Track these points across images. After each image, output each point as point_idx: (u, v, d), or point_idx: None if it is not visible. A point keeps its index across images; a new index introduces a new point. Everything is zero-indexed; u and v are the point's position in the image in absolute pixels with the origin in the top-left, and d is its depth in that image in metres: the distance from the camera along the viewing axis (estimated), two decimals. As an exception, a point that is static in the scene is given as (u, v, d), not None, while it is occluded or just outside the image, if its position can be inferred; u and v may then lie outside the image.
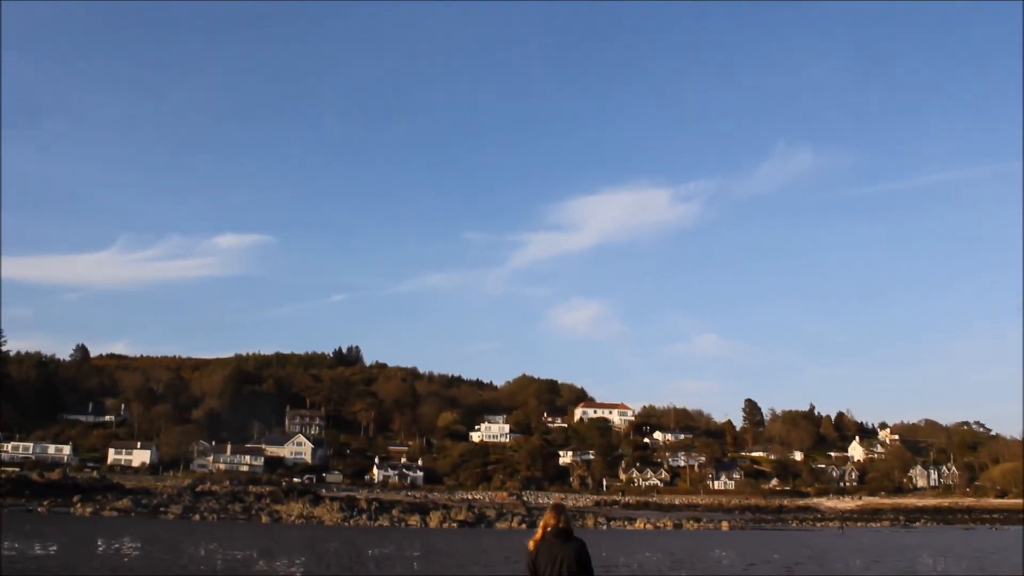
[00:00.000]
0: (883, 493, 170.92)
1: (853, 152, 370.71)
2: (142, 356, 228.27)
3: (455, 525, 63.87)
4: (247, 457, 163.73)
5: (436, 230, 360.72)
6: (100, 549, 32.37)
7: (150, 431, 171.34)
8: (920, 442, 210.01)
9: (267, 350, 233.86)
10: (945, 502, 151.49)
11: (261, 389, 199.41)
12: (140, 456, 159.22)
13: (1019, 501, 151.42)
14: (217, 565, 27.24)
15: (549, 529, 8.90)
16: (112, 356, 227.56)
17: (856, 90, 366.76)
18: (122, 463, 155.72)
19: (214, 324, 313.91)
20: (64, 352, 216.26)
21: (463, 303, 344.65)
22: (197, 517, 62.05)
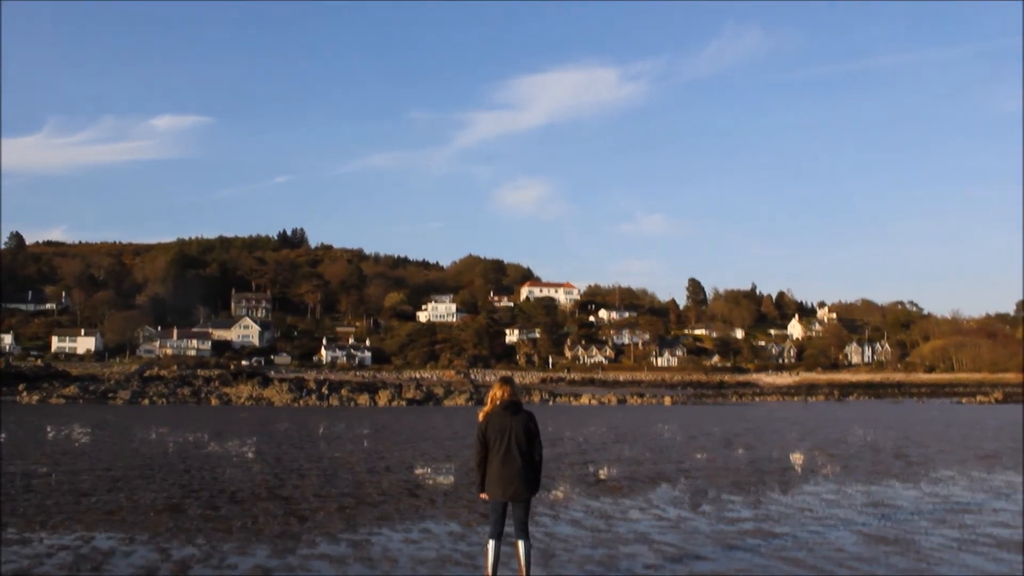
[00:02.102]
0: (819, 369, 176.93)
1: (803, 33, 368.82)
2: (81, 243, 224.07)
3: (404, 404, 64.93)
4: (194, 341, 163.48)
5: (380, 109, 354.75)
6: (50, 435, 32.47)
7: (93, 318, 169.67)
8: (856, 321, 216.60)
9: (210, 234, 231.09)
10: (877, 377, 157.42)
11: (205, 273, 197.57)
12: (84, 343, 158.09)
13: (946, 376, 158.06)
14: (169, 447, 27.54)
15: (498, 402, 9.17)
16: (49, 243, 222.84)
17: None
18: (66, 351, 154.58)
19: (154, 208, 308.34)
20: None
21: (408, 183, 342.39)
22: (146, 402, 62.21)
